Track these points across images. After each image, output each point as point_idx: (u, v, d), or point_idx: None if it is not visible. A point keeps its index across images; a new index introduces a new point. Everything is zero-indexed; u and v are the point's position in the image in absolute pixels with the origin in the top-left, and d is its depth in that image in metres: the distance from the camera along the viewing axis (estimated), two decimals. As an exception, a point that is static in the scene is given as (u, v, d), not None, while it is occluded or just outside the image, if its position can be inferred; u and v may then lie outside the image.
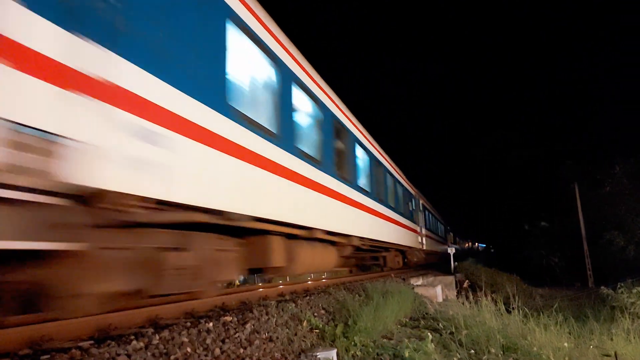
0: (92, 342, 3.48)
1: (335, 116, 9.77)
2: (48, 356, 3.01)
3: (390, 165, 16.26)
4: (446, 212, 48.46)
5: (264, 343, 4.48)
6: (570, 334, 7.25)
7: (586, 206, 32.33)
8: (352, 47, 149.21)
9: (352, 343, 5.37)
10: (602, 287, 17.48)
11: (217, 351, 3.88)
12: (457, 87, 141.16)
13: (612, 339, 7.37)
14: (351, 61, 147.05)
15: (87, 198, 3.39)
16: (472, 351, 5.88)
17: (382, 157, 14.67)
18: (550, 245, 35.46)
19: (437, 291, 13.03)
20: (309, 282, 10.93)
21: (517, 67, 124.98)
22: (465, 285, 11.19)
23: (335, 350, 4.78)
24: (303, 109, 7.99)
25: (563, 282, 30.54)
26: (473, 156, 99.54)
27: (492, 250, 62.39)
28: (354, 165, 11.04)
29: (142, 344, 3.42)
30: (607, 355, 6.46)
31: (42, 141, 2.96)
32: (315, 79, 8.60)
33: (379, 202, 13.11)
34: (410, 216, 19.67)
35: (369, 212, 11.80)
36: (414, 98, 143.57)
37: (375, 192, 12.86)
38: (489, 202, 61.17)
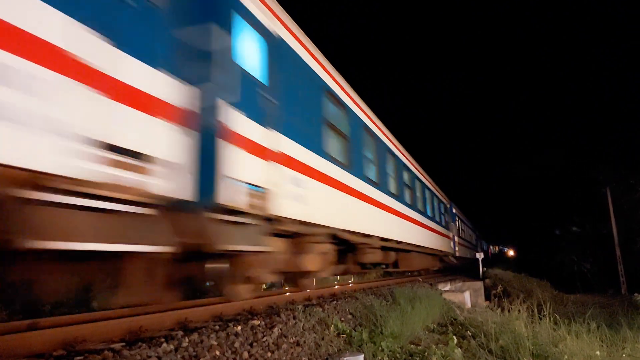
0: (123, 344, 3.55)
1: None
2: (82, 357, 3.09)
3: None
4: (475, 216, 47.39)
5: (291, 347, 4.50)
6: (602, 342, 7.04)
7: (619, 211, 31.49)
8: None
9: (380, 348, 5.34)
10: (636, 294, 17.00)
11: (245, 355, 3.91)
12: (483, 88, 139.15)
13: (646, 348, 7.14)
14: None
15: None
16: (502, 359, 5.78)
17: None
18: (582, 251, 34.66)
19: (465, 297, 12.88)
20: (336, 287, 10.89)
21: (549, 70, 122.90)
22: (498, 290, 11.02)
23: (362, 355, 4.75)
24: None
25: (595, 288, 29.82)
26: (503, 159, 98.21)
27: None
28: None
29: (172, 347, 3.48)
30: (641, 364, 6.28)
31: None
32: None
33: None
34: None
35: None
36: (440, 97, 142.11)
37: None
38: (518, 205, 60.14)
